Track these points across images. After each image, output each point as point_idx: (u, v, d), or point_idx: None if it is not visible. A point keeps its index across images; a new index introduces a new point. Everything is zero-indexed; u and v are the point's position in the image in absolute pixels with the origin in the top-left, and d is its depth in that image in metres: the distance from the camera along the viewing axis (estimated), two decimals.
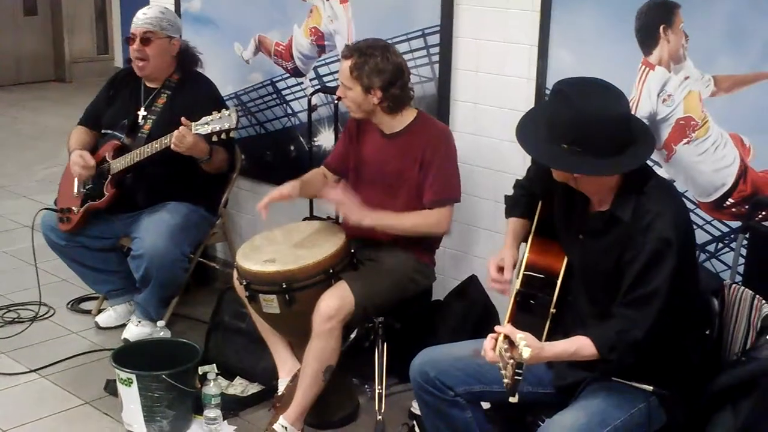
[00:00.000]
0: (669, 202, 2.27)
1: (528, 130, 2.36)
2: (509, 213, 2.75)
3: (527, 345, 2.04)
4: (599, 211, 2.35)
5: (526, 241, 2.68)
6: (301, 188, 3.24)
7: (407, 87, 3.15)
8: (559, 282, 2.44)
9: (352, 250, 3.13)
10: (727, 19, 2.77)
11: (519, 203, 2.73)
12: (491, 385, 2.50)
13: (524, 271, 2.48)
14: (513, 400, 2.05)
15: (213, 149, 3.61)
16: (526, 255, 2.51)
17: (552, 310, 2.42)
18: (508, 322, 2.33)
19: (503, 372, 2.08)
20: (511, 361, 2.04)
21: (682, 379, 2.36)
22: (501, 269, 2.59)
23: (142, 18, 3.76)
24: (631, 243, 2.24)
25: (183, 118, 3.48)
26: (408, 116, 3.18)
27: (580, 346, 2.23)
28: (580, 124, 2.22)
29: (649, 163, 2.43)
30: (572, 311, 2.44)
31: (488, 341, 2.19)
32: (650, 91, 2.96)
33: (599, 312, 2.33)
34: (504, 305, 2.78)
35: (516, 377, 2.02)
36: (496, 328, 2.21)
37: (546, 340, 2.33)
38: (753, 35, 2.73)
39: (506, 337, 2.12)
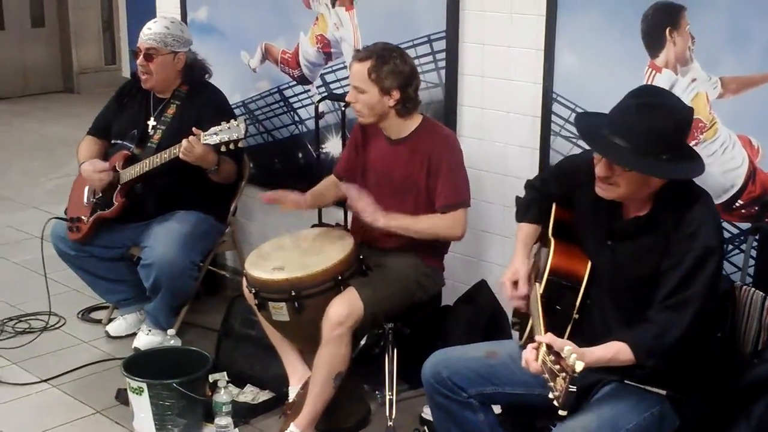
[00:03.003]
0: (709, 210, 2.29)
1: (612, 146, 2.27)
2: (521, 217, 2.72)
3: (578, 357, 2.00)
4: (636, 216, 2.35)
5: (537, 244, 2.67)
6: (312, 200, 3.32)
7: (418, 91, 3.17)
8: (582, 287, 2.42)
9: (361, 257, 3.13)
10: (734, 20, 2.76)
11: (531, 206, 2.70)
12: (503, 386, 2.50)
13: (548, 276, 2.45)
14: (563, 413, 2.01)
15: (221, 159, 3.62)
16: (550, 259, 2.47)
17: (575, 315, 2.41)
18: (545, 330, 2.29)
19: (551, 384, 2.02)
20: (563, 374, 1.99)
21: (695, 383, 2.35)
22: (516, 283, 2.58)
23: (147, 33, 3.76)
24: (673, 249, 2.24)
25: (194, 128, 3.49)
26: (414, 121, 3.18)
27: (617, 351, 2.22)
28: (681, 128, 2.28)
29: None
30: (591, 317, 2.43)
31: (529, 352, 2.16)
32: None
33: (625, 318, 2.32)
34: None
35: (570, 390, 1.96)
36: (537, 337, 2.18)
37: None
38: (759, 36, 2.72)
39: (549, 346, 2.08)
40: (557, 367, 2.01)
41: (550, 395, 2.01)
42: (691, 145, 2.85)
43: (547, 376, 2.05)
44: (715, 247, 2.23)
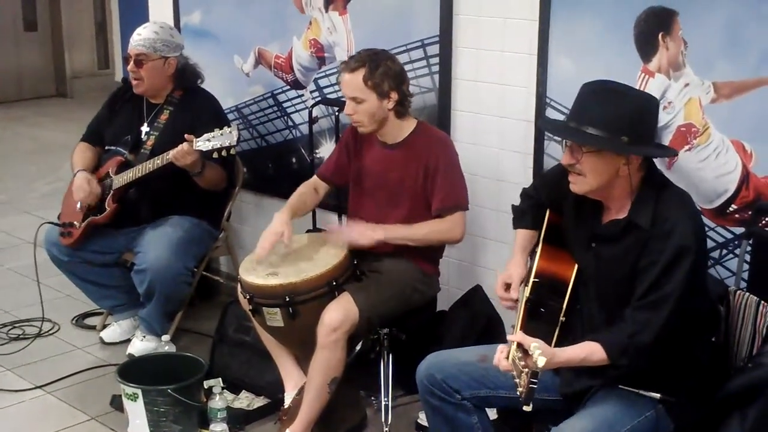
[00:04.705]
0: (686, 210, 2.31)
1: (567, 128, 2.34)
2: (517, 224, 2.75)
3: (542, 353, 2.05)
4: (616, 219, 2.37)
5: (534, 252, 2.68)
6: (292, 218, 3.23)
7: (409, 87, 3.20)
8: (569, 290, 2.43)
9: (355, 262, 3.13)
10: (726, 25, 2.77)
11: (526, 213, 2.72)
12: (497, 389, 2.51)
13: (534, 278, 2.47)
14: (527, 408, 2.05)
15: (206, 164, 3.62)
16: (536, 262, 2.50)
17: (561, 318, 2.42)
18: (520, 329, 2.33)
19: (517, 381, 2.07)
20: (526, 369, 2.04)
21: (689, 387, 2.36)
22: (509, 286, 2.59)
23: (136, 39, 3.76)
24: (649, 249, 2.26)
25: (186, 135, 3.49)
26: (409, 125, 3.19)
27: (590, 351, 2.25)
28: (640, 113, 2.28)
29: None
30: (581, 320, 2.44)
31: (500, 350, 2.20)
32: None
33: (612, 318, 2.33)
34: (510, 315, 2.78)
35: (531, 385, 2.01)
36: (508, 337, 2.21)
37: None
38: (752, 41, 2.73)
39: (519, 345, 2.12)
40: (522, 363, 2.06)
41: (517, 392, 2.06)
42: (683, 150, 2.89)
43: (514, 373, 2.10)
44: (690, 246, 2.23)
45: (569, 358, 2.24)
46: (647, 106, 2.34)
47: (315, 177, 3.43)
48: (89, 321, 4.26)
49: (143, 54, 3.74)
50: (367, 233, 3.09)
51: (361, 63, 3.06)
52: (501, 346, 2.22)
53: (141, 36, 3.76)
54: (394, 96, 3.09)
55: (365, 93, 3.06)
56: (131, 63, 3.76)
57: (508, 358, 2.16)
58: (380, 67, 3.06)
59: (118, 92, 4.02)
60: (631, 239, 2.31)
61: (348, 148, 3.33)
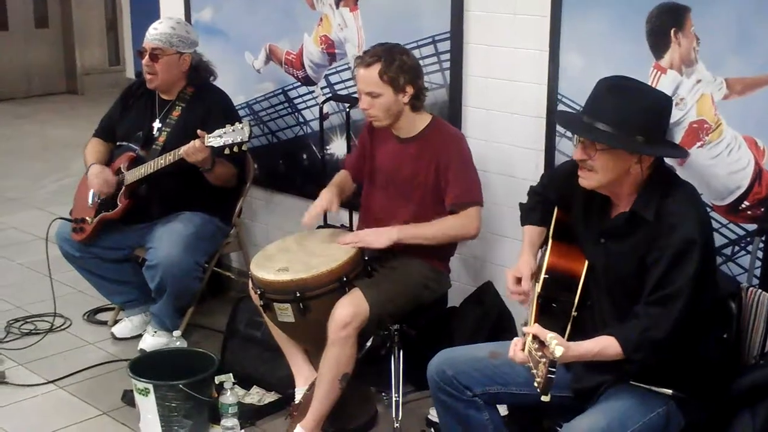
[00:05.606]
0: (692, 204, 2.31)
1: (582, 124, 2.34)
2: (525, 220, 2.76)
3: (558, 344, 2.06)
4: (621, 213, 2.37)
5: (542, 248, 2.69)
6: (338, 198, 3.28)
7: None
8: (580, 285, 2.44)
9: (366, 258, 3.13)
10: (739, 21, 2.76)
11: (535, 210, 2.73)
12: (508, 386, 2.52)
13: (545, 274, 2.48)
14: (545, 399, 2.05)
15: (217, 161, 3.63)
16: (547, 259, 2.51)
17: (573, 313, 2.43)
18: (534, 323, 2.34)
19: (534, 371, 2.08)
20: (543, 359, 2.04)
21: (700, 383, 2.36)
22: (519, 280, 2.59)
23: (152, 33, 3.77)
24: (656, 243, 2.26)
25: (199, 131, 3.50)
26: (423, 120, 3.20)
27: (604, 345, 2.25)
28: (655, 111, 2.28)
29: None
30: (592, 315, 2.45)
31: (515, 343, 2.21)
32: None
33: (622, 314, 2.34)
34: (521, 312, 2.79)
35: (549, 375, 2.02)
36: (524, 329, 2.22)
37: None
38: (764, 37, 2.71)
39: (535, 337, 2.13)
40: (539, 354, 2.07)
41: (534, 383, 2.06)
42: (695, 147, 2.88)
43: (531, 364, 2.11)
44: (695, 239, 2.23)
45: (585, 351, 2.24)
46: (662, 105, 2.34)
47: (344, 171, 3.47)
48: (101, 316, 4.28)
49: (159, 48, 3.75)
50: (382, 235, 3.09)
51: (376, 58, 3.07)
52: (515, 339, 2.23)
53: (157, 30, 3.77)
54: (410, 90, 3.10)
55: (381, 87, 3.07)
56: (146, 57, 3.77)
57: (523, 350, 2.17)
58: (396, 61, 3.06)
59: (130, 88, 4.04)
60: (639, 235, 2.31)
61: (364, 145, 3.34)
